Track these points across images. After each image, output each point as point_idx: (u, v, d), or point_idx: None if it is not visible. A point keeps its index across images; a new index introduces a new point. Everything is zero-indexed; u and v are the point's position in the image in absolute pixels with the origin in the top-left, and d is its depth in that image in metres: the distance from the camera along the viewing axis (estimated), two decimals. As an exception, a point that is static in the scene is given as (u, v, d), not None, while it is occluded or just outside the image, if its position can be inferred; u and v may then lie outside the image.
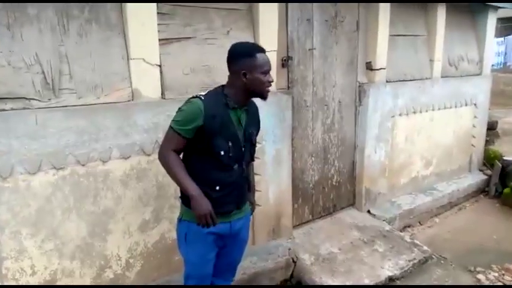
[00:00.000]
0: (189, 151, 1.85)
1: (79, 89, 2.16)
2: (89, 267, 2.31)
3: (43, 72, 2.05)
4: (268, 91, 1.85)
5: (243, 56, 1.78)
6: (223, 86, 1.87)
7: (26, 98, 2.02)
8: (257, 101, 1.96)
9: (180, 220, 1.95)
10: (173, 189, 2.49)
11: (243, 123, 1.87)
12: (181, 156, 1.87)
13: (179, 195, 1.96)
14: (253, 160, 2.06)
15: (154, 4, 2.33)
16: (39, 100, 2.05)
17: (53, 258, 2.19)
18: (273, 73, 1.93)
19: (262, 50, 1.82)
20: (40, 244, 2.13)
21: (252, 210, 2.16)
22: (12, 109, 1.98)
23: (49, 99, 2.08)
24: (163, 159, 1.82)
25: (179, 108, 1.81)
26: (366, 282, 2.85)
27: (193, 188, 1.75)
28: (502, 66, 11.49)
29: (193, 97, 1.81)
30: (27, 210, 2.07)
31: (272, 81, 1.85)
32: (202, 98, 1.77)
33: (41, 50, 2.04)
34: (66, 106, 2.12)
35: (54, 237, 2.17)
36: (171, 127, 1.79)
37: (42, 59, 2.04)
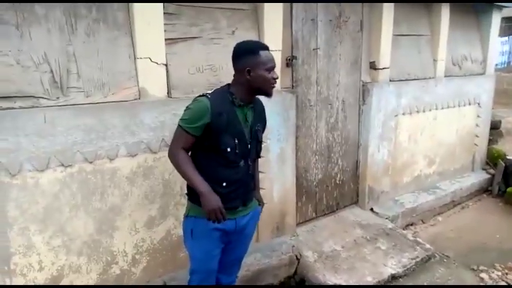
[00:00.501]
0: (195, 148, 1.87)
1: (87, 87, 2.19)
2: (96, 263, 2.35)
3: (51, 71, 2.08)
4: (272, 88, 1.86)
5: (246, 54, 1.80)
6: (229, 84, 1.90)
7: (35, 97, 2.04)
8: (261, 99, 1.98)
9: (186, 216, 1.98)
10: (179, 187, 2.52)
11: (250, 120, 1.89)
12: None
13: (185, 192, 1.99)
14: (259, 157, 2.08)
15: (161, 4, 2.35)
16: (47, 98, 2.08)
17: (61, 254, 2.22)
18: (278, 72, 1.95)
19: (266, 48, 1.84)
20: (48, 240, 2.16)
21: (261, 206, 2.17)
22: (21, 107, 2.01)
23: (57, 98, 2.11)
24: (172, 157, 1.85)
25: (187, 107, 1.84)
26: (369, 279, 2.87)
27: (202, 185, 1.78)
28: (505, 65, 11.42)
29: (200, 96, 1.84)
30: (35, 207, 2.10)
31: (277, 78, 1.85)
32: (209, 96, 1.80)
33: (49, 49, 2.06)
34: (74, 104, 2.15)
35: (61, 234, 2.20)
36: (179, 125, 1.82)
37: (51, 58, 2.07)
